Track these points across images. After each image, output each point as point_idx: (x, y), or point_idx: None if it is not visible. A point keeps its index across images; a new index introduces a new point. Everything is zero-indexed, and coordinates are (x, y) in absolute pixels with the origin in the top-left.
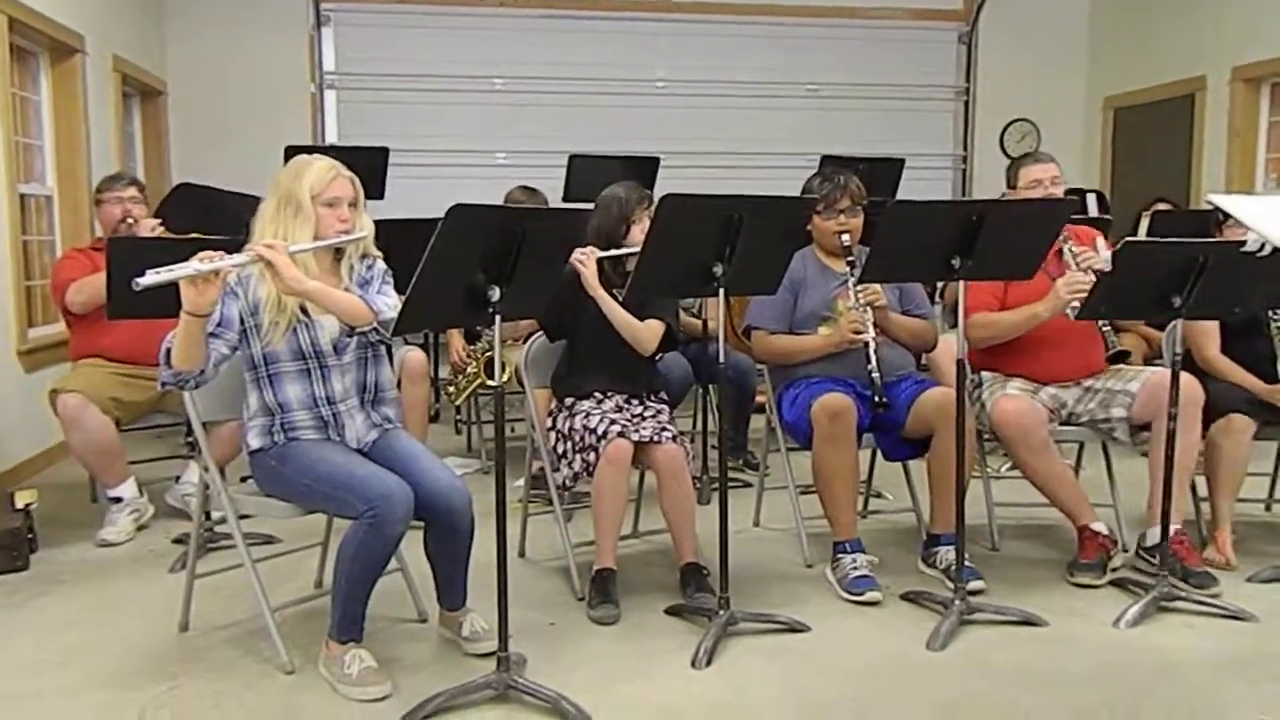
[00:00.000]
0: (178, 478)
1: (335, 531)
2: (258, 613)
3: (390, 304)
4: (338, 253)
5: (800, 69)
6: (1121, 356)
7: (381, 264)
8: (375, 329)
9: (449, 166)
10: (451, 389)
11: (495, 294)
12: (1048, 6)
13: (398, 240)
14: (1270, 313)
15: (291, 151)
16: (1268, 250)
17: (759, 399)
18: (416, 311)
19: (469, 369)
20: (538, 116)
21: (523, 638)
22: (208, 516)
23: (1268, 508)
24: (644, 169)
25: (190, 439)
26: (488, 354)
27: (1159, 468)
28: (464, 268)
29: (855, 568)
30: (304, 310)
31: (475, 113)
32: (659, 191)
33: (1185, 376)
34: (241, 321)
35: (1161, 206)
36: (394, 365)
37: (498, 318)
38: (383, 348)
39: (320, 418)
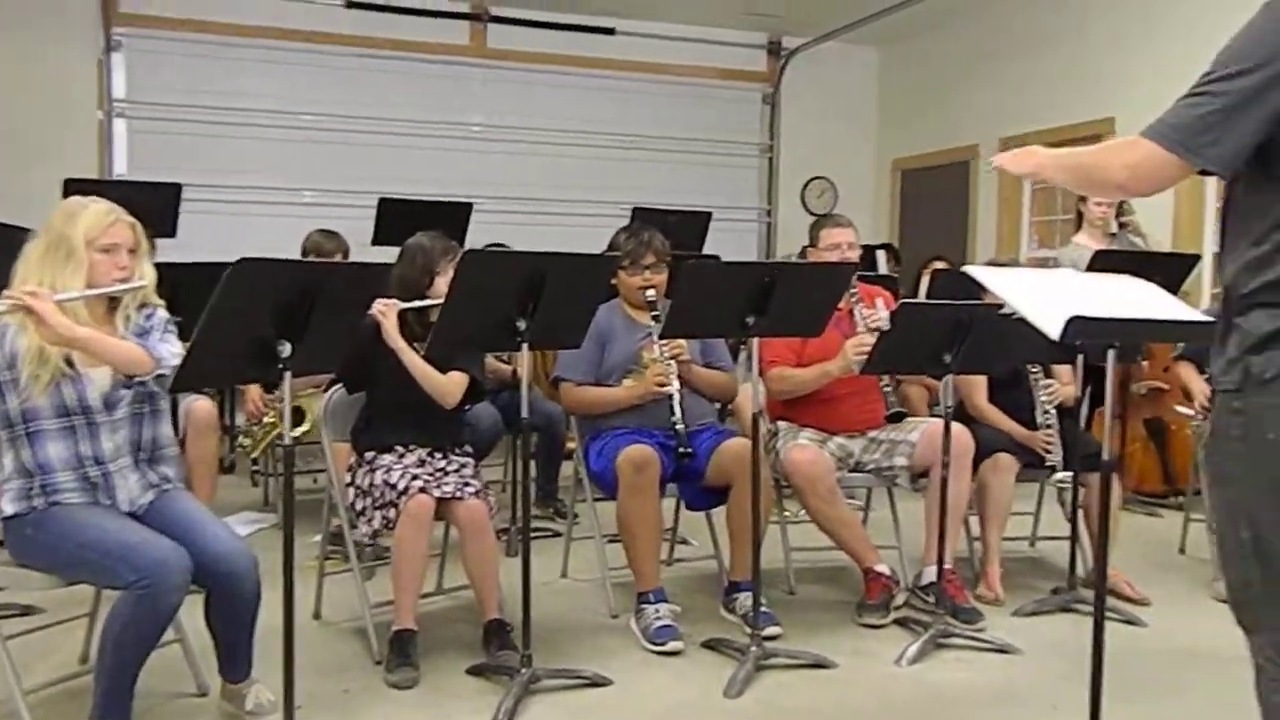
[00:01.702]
0: None
1: (107, 599)
2: (8, 694)
3: (174, 351)
4: (112, 302)
5: (615, 120)
6: (898, 417)
7: (163, 313)
8: (159, 379)
9: (253, 204)
10: (247, 440)
11: (285, 349)
12: (841, 74)
13: (186, 284)
14: (1029, 366)
15: (72, 185)
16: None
17: (569, 445)
18: (196, 367)
19: (266, 419)
20: (349, 156)
21: (314, 707)
22: None
23: (1031, 544)
24: (456, 215)
25: None
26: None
27: (934, 512)
28: (251, 322)
29: (658, 617)
30: (69, 362)
31: (282, 149)
32: (473, 237)
33: (957, 427)
34: None
35: (939, 265)
36: (179, 415)
37: (288, 374)
38: (162, 401)
39: (87, 479)
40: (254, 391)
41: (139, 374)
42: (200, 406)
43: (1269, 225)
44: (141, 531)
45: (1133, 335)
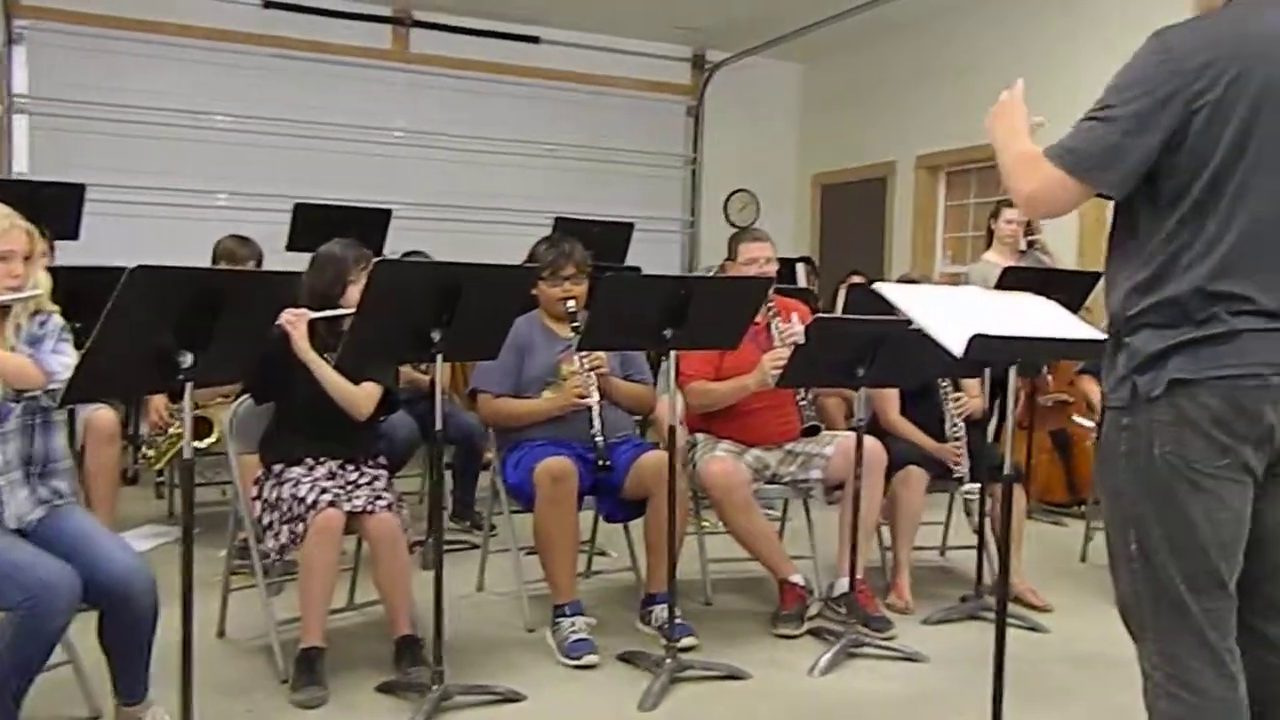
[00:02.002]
0: None
1: None
2: None
3: (67, 364)
4: (2, 310)
5: (539, 129)
6: (813, 430)
7: (57, 319)
8: (49, 392)
9: (163, 206)
10: (151, 452)
11: (187, 359)
12: (764, 89)
13: (86, 289)
14: (939, 380)
15: None
16: None
17: (487, 456)
18: (90, 378)
19: (170, 429)
20: (265, 159)
21: None
22: None
23: (941, 553)
24: (375, 221)
25: None
26: (194, 412)
27: (848, 524)
28: (150, 331)
29: (574, 631)
30: None
31: (194, 150)
32: (393, 244)
33: (869, 441)
34: None
35: (856, 279)
36: (78, 425)
37: (189, 385)
38: (55, 413)
39: None
40: (158, 401)
41: (29, 388)
42: (101, 416)
43: (1154, 248)
44: (28, 550)
45: (1032, 353)
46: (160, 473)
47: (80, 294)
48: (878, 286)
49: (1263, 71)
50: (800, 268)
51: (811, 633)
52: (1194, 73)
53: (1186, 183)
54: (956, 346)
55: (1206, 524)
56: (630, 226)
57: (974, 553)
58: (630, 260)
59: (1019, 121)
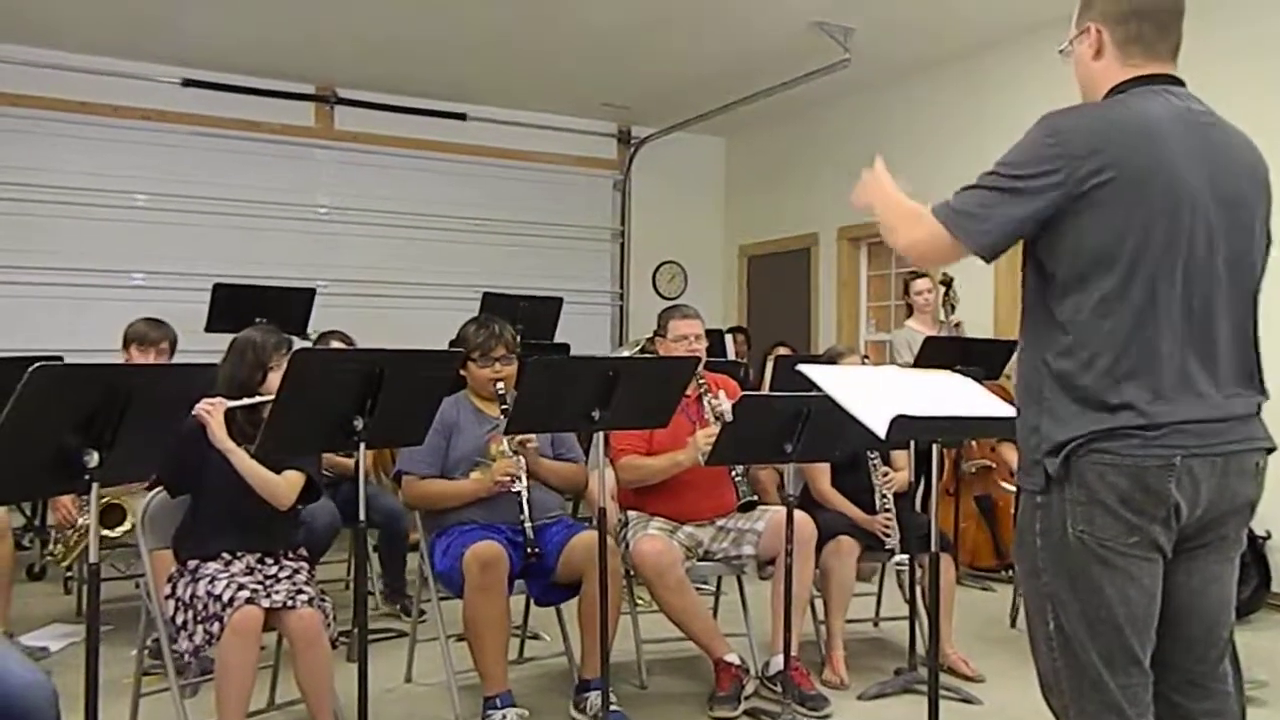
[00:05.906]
0: None
1: None
2: None
3: None
4: None
5: (466, 204)
6: (750, 506)
7: None
8: None
9: (75, 286)
10: (58, 546)
11: (93, 459)
12: (689, 163)
13: None
14: (868, 452)
15: None
16: None
17: (414, 537)
18: None
19: (80, 520)
20: (184, 238)
21: None
22: None
23: (875, 624)
24: (298, 300)
25: None
26: (105, 501)
27: (780, 602)
28: (51, 432)
29: None
30: None
31: (109, 230)
32: (317, 323)
33: (800, 515)
34: None
35: (782, 351)
36: None
37: (94, 485)
38: None
39: None
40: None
41: None
42: None
43: (1062, 337)
44: None
45: (951, 432)
46: (69, 567)
47: None
48: (802, 368)
49: (1142, 160)
50: (729, 339)
51: (748, 713)
52: (1082, 158)
53: (1085, 272)
54: (879, 427)
55: (1120, 601)
56: (560, 301)
57: (906, 623)
58: (561, 333)
59: (889, 188)
